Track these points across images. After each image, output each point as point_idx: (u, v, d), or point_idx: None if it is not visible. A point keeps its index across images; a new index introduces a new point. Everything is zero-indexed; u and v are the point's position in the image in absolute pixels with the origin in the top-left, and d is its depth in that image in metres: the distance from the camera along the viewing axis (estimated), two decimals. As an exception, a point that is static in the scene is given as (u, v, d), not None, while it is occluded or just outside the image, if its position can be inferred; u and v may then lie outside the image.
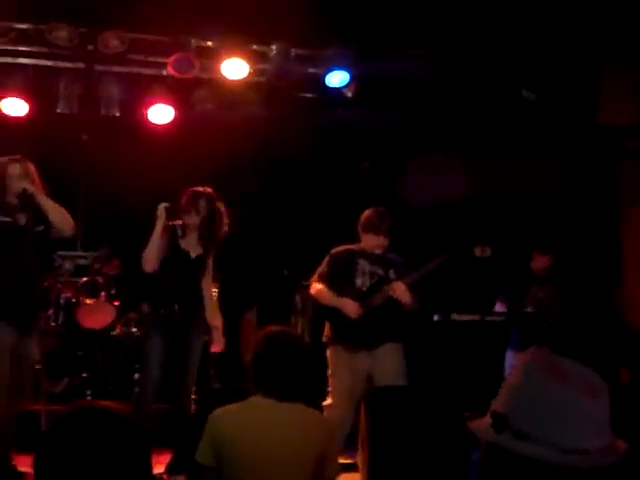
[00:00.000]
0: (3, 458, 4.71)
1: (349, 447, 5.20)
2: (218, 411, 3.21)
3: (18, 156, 5.02)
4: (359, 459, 5.04)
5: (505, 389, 1.69)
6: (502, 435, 1.63)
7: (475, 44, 6.88)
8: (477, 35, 6.76)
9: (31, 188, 4.87)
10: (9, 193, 4.90)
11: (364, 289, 5.35)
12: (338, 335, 5.35)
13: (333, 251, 5.47)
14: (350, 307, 5.26)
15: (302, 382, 3.31)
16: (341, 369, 5.30)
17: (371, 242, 5.37)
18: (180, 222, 5.31)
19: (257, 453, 3.10)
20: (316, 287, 5.43)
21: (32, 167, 5.01)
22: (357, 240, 5.48)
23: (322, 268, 5.45)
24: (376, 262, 5.38)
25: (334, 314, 5.32)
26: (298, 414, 3.24)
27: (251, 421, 3.17)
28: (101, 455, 1.82)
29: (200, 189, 5.39)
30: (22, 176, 4.93)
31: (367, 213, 5.44)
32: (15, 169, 4.94)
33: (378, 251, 5.37)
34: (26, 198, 4.86)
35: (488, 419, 1.68)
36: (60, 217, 4.97)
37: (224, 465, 3.14)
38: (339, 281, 5.35)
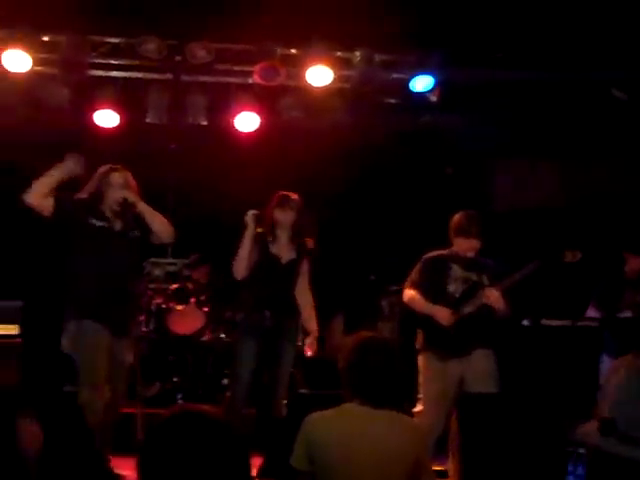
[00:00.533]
0: (101, 459, 4.83)
1: (439, 454, 5.16)
2: (313, 416, 3.22)
3: (118, 165, 5.18)
4: (450, 466, 5.00)
5: (608, 394, 1.67)
6: (608, 439, 1.60)
7: (563, 44, 6.77)
8: (565, 35, 6.65)
9: (132, 196, 5.03)
10: (108, 201, 5.05)
11: (457, 295, 5.28)
12: (430, 342, 5.30)
13: (425, 257, 5.41)
14: (442, 315, 5.20)
15: (396, 389, 3.30)
16: (432, 376, 5.25)
17: (463, 246, 5.30)
18: (269, 228, 5.36)
19: (351, 459, 3.10)
20: (408, 294, 5.38)
21: (130, 176, 5.16)
22: (447, 244, 5.44)
23: (414, 274, 5.39)
24: (469, 267, 5.31)
25: (426, 321, 5.28)
26: (392, 421, 3.22)
27: (345, 427, 3.17)
28: (202, 458, 1.85)
29: (288, 195, 5.45)
30: (122, 185, 5.09)
31: (457, 217, 5.38)
32: (116, 178, 5.10)
33: (470, 254, 5.31)
34: (127, 206, 5.02)
35: (594, 423, 1.65)
36: (160, 224, 5.13)
37: (318, 470, 3.15)
38: (431, 287, 5.29)
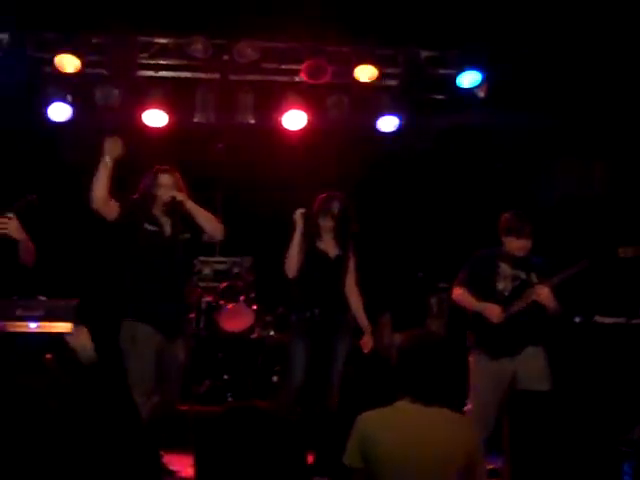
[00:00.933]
0: (154, 456, 4.88)
1: (489, 453, 5.12)
2: (366, 414, 3.23)
3: (166, 166, 5.23)
4: (501, 465, 4.96)
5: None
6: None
7: (611, 42, 6.67)
8: (613, 32, 6.56)
9: (180, 196, 5.08)
10: (158, 202, 5.12)
11: (506, 293, 5.23)
12: (480, 341, 5.27)
13: (474, 255, 5.40)
14: (492, 312, 5.17)
15: (446, 386, 3.29)
16: (483, 375, 5.21)
17: (513, 245, 5.25)
18: (315, 228, 5.41)
19: (404, 456, 3.10)
20: (457, 292, 5.36)
21: (179, 176, 5.22)
22: (496, 241, 5.40)
23: (463, 272, 5.37)
24: (518, 265, 5.26)
25: (476, 319, 5.25)
26: (444, 418, 3.22)
27: (398, 425, 3.17)
28: (258, 453, 1.86)
29: (334, 194, 5.49)
30: (171, 185, 5.14)
31: (507, 216, 5.33)
32: (165, 179, 5.16)
33: (520, 254, 5.26)
34: (175, 206, 5.07)
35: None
36: (210, 222, 5.18)
37: (370, 467, 3.16)
38: (480, 285, 5.26)
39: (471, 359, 5.31)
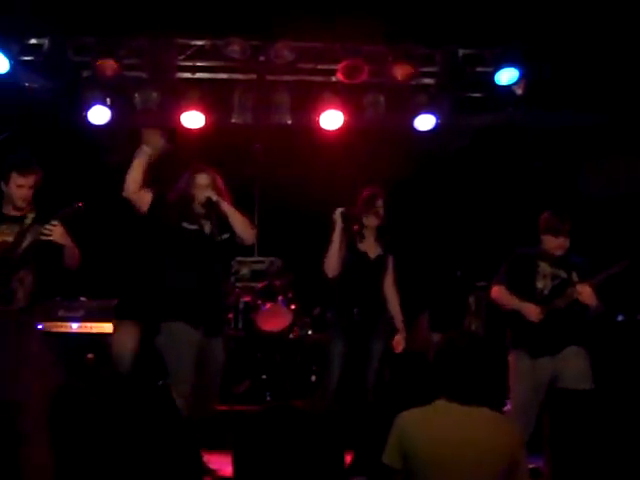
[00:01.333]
0: (194, 455, 4.93)
1: (530, 452, 5.08)
2: (405, 413, 3.22)
3: (204, 166, 5.27)
4: (542, 464, 4.93)
5: None
6: None
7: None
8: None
9: (215, 196, 5.11)
10: (197, 202, 5.16)
11: (546, 292, 5.19)
12: (519, 340, 5.23)
13: (513, 253, 5.37)
14: (531, 311, 5.12)
15: (486, 386, 3.27)
16: (523, 374, 5.17)
17: (551, 244, 5.21)
18: (357, 225, 5.42)
19: (444, 456, 3.09)
20: (496, 290, 5.33)
21: (218, 177, 5.24)
22: (535, 239, 5.36)
23: (502, 270, 5.35)
24: (557, 264, 5.21)
25: (515, 318, 5.21)
26: (485, 418, 3.20)
27: (437, 424, 3.16)
28: (297, 452, 1.88)
29: (372, 192, 5.50)
30: (208, 185, 5.17)
31: (546, 215, 5.29)
32: (202, 179, 5.19)
33: (558, 252, 5.22)
34: (210, 206, 5.10)
35: None
36: (242, 225, 5.19)
37: (410, 467, 3.15)
38: (519, 284, 5.23)
39: (510, 358, 5.27)
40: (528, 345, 5.17)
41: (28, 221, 4.71)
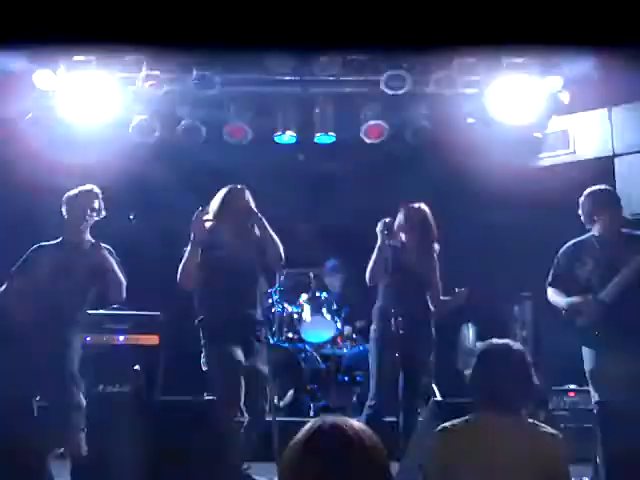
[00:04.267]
0: (239, 468, 4.95)
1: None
2: (445, 425, 3.22)
3: (237, 185, 5.25)
4: (592, 474, 4.87)
5: None
6: None
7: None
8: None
9: (255, 217, 5.10)
10: (230, 224, 5.15)
11: (594, 282, 4.98)
12: (582, 338, 4.99)
13: (561, 250, 5.19)
14: (584, 306, 4.93)
15: (523, 396, 3.23)
16: (594, 374, 4.97)
17: (602, 225, 5.04)
18: (400, 238, 5.43)
19: (483, 469, 3.07)
20: (549, 292, 5.19)
21: (249, 195, 5.23)
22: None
23: (551, 270, 5.19)
24: (605, 250, 4.99)
25: (572, 317, 4.99)
26: (523, 430, 3.18)
27: (477, 437, 3.15)
28: (343, 472, 1.87)
29: (415, 205, 5.49)
30: (244, 205, 5.16)
31: (589, 196, 5.13)
32: (237, 198, 5.19)
33: (611, 235, 5.01)
34: (253, 226, 5.10)
35: None
36: (273, 249, 5.15)
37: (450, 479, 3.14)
38: (569, 279, 5.05)
39: (585, 354, 5.02)
40: (590, 343, 4.95)
41: (83, 246, 4.97)
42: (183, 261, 5.05)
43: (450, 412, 3.49)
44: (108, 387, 6.26)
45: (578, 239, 5.18)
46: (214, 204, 5.21)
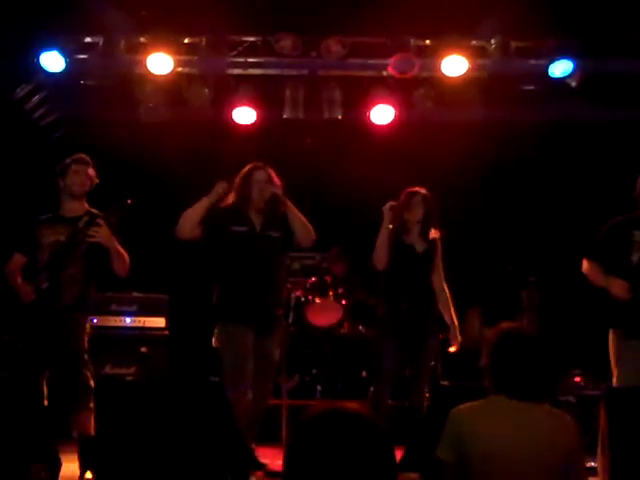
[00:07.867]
0: (248, 449, 4.96)
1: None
2: (460, 408, 3.18)
3: (261, 163, 5.23)
4: (599, 463, 4.84)
5: None
6: None
7: None
8: None
9: (281, 194, 5.06)
10: (254, 200, 5.11)
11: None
12: (614, 320, 4.83)
13: (608, 223, 4.93)
14: (618, 288, 4.74)
15: (542, 381, 3.22)
16: (621, 358, 4.83)
17: None
18: (400, 223, 5.38)
19: (500, 452, 3.05)
20: (585, 265, 4.95)
21: (274, 173, 5.20)
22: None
23: (594, 242, 4.95)
24: None
25: (605, 296, 4.80)
26: (543, 414, 3.16)
27: (493, 419, 3.12)
28: (348, 456, 1.87)
29: (415, 189, 5.44)
30: (267, 181, 5.12)
31: None
32: (261, 175, 5.14)
33: None
34: (275, 204, 5.06)
35: None
36: (303, 228, 5.13)
37: (464, 462, 3.11)
38: (613, 257, 4.81)
39: (610, 339, 4.88)
40: (621, 326, 4.80)
41: (81, 223, 4.82)
42: (188, 209, 5.02)
43: (457, 396, 3.47)
44: (115, 369, 6.28)
45: (629, 215, 4.94)
46: (238, 180, 5.18)
